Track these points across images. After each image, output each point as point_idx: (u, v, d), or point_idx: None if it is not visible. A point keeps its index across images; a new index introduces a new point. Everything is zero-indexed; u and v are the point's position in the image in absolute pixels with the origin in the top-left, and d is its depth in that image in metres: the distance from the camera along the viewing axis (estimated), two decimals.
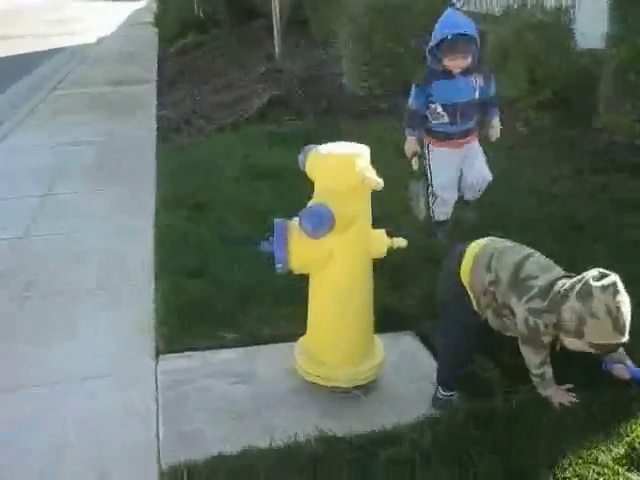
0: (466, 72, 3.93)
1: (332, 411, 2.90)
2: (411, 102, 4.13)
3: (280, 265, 2.87)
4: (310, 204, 2.74)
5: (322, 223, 2.65)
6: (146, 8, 22.22)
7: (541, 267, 2.61)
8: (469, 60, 3.88)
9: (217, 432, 2.80)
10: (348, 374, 2.96)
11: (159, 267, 4.20)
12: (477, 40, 3.88)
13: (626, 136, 5.19)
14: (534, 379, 2.69)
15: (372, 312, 3.04)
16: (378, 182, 2.71)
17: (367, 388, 3.02)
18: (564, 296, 2.42)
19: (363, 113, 7.02)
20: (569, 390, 2.72)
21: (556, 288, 2.48)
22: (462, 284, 2.74)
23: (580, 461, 2.47)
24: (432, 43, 3.89)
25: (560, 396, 2.69)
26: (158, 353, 3.38)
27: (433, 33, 3.93)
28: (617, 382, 2.79)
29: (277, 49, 9.59)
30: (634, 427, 2.60)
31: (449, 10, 3.96)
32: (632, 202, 4.44)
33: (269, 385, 3.11)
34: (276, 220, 2.94)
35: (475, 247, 2.76)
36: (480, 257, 2.71)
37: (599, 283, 2.35)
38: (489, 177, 4.19)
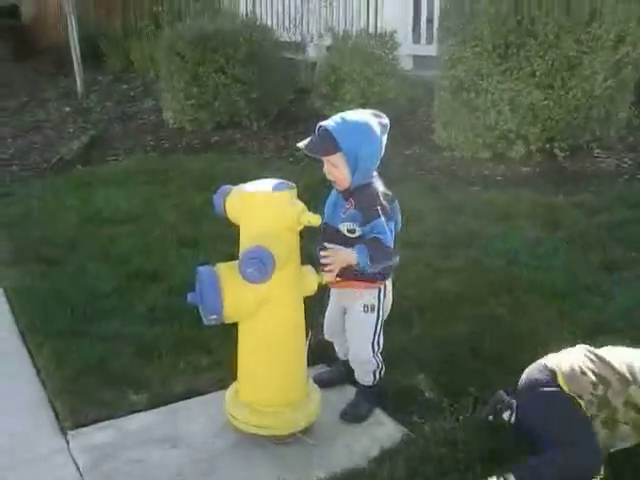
0: (346, 192, 2.78)
1: (285, 461, 2.75)
2: None
3: (215, 316, 2.67)
4: (248, 248, 2.58)
5: (266, 267, 2.51)
6: None
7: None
8: (334, 171, 2.72)
9: None
10: (291, 419, 2.83)
11: (28, 331, 3.78)
12: (345, 148, 2.66)
13: (465, 151, 5.51)
14: None
15: (306, 351, 2.94)
16: (317, 218, 2.62)
17: (309, 430, 2.91)
18: None
19: (195, 147, 6.85)
20: None
21: None
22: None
23: None
24: None
25: None
26: (64, 430, 3.01)
27: None
28: None
29: (79, 86, 9.09)
30: None
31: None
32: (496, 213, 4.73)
33: (205, 445, 2.88)
34: (200, 268, 2.74)
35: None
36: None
37: None
38: (365, 356, 2.94)
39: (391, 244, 2.70)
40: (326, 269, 2.70)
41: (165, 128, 7.44)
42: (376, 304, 2.89)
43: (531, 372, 2.67)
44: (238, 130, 7.08)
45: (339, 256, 2.68)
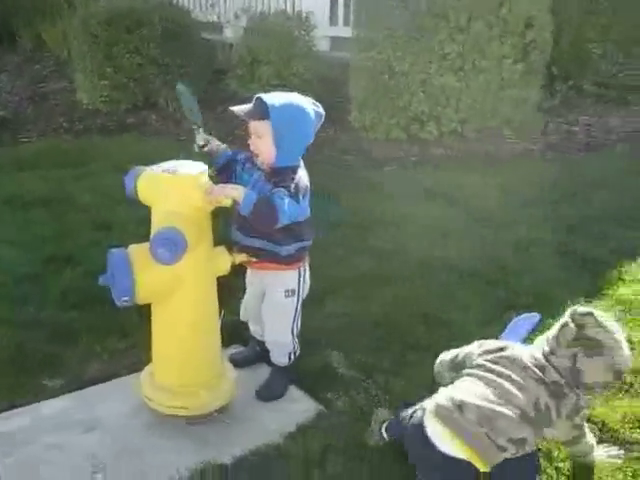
0: (269, 173, 2.77)
1: (201, 440, 2.79)
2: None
3: (127, 297, 2.67)
4: (158, 229, 2.58)
5: (177, 247, 2.53)
6: None
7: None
8: (259, 143, 2.72)
9: None
10: (206, 399, 2.86)
11: None
12: (274, 117, 2.64)
13: (380, 132, 5.61)
14: None
15: (219, 332, 2.97)
16: (227, 200, 2.64)
17: (225, 409, 2.94)
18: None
19: (110, 129, 6.75)
20: None
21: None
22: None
23: None
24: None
25: None
26: None
27: None
28: None
29: None
30: None
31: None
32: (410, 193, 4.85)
33: (121, 427, 2.89)
34: (112, 250, 2.73)
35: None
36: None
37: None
38: (284, 339, 3.02)
39: (281, 215, 2.59)
40: (211, 192, 2.61)
41: (79, 109, 7.28)
42: (296, 288, 2.94)
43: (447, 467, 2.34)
44: (154, 111, 7.00)
45: (226, 188, 2.64)
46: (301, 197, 2.71)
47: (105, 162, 5.76)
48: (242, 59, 6.33)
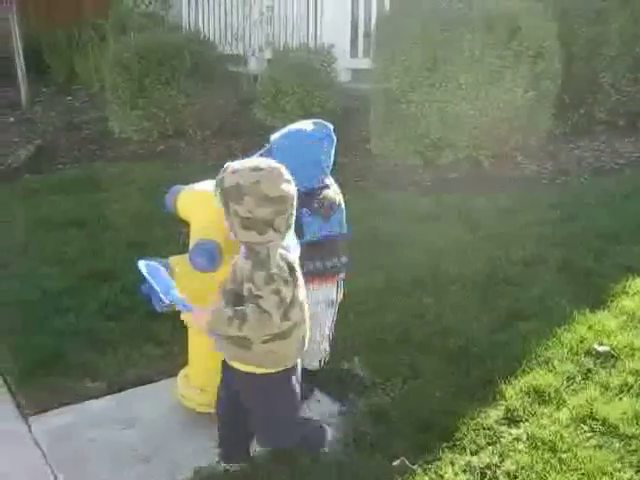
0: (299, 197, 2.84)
1: None
2: None
3: (167, 303, 2.93)
4: (196, 241, 2.86)
5: (215, 257, 2.81)
6: None
7: None
8: None
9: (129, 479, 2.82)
10: None
11: None
12: (278, 156, 2.82)
13: (398, 158, 5.90)
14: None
15: None
16: None
17: None
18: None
19: (140, 156, 7.08)
20: None
21: None
22: None
23: (469, 428, 2.91)
24: None
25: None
26: (25, 416, 3.23)
27: None
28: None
29: (23, 97, 9.19)
30: (506, 393, 3.11)
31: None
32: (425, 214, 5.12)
33: (158, 424, 3.16)
34: (141, 262, 2.95)
35: None
36: None
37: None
38: (323, 345, 3.26)
39: (305, 234, 2.93)
40: None
41: (111, 138, 7.62)
42: (334, 298, 3.17)
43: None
44: (183, 140, 7.33)
45: None
46: (323, 216, 2.99)
47: (137, 187, 6.06)
48: (266, 90, 6.65)
